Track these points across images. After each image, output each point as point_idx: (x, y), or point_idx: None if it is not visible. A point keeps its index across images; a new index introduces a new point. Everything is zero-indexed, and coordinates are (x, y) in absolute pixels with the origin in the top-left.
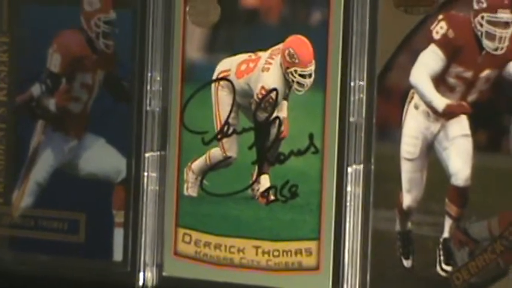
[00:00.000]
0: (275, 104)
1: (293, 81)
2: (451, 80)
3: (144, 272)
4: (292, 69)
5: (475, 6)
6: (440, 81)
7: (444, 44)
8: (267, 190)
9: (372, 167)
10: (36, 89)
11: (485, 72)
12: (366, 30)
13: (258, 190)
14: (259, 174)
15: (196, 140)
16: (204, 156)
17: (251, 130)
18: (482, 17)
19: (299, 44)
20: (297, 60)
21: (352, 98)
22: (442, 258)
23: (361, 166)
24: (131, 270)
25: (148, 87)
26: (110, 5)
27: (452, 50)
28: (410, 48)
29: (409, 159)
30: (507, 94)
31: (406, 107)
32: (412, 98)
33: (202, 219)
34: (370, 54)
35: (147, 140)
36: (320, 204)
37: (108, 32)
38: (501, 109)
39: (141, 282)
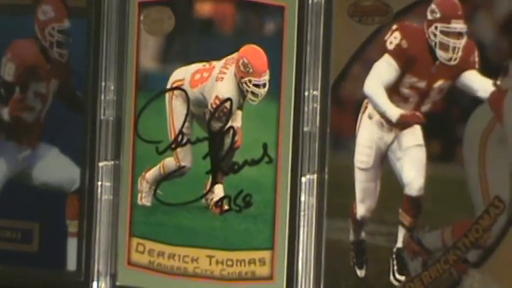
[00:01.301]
0: (229, 114)
1: (247, 91)
2: (405, 90)
3: (97, 281)
4: (246, 79)
5: (429, 17)
6: (394, 91)
7: (398, 54)
8: (221, 200)
9: (326, 176)
10: None
11: (439, 83)
12: (320, 40)
13: (212, 200)
14: (213, 183)
15: (150, 149)
16: (158, 166)
17: (205, 140)
18: (436, 27)
19: (253, 53)
20: (251, 70)
21: (306, 108)
22: (395, 268)
23: (315, 176)
24: (85, 280)
25: (103, 97)
26: (64, 14)
27: (406, 60)
28: (364, 58)
29: (362, 169)
30: (460, 104)
31: (360, 116)
32: (366, 108)
33: (156, 228)
34: (324, 64)
35: (101, 150)
36: (274, 214)
37: (62, 41)
38: (454, 119)
39: None
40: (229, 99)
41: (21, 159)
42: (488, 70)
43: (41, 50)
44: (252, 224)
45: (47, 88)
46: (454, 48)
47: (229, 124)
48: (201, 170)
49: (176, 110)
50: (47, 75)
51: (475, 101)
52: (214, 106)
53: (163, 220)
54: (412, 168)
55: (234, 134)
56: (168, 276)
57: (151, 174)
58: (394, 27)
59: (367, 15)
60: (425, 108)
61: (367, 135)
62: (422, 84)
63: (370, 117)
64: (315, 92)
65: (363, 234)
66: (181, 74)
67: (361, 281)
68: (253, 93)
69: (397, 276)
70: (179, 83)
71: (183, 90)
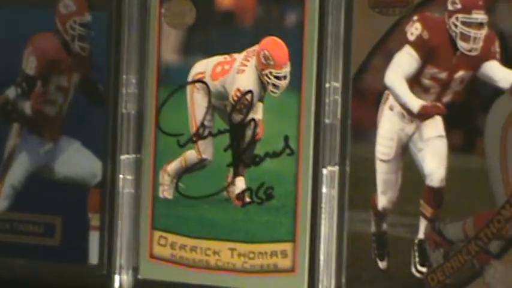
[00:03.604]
0: (250, 106)
1: (268, 83)
2: (426, 81)
3: (119, 275)
4: (267, 71)
5: (450, 7)
6: (415, 82)
7: (419, 45)
8: (243, 192)
9: (347, 168)
10: (11, 92)
11: (460, 73)
12: (340, 32)
13: (233, 192)
14: (235, 176)
15: (172, 142)
16: (179, 159)
17: (226, 132)
18: (457, 18)
19: (274, 45)
20: (272, 62)
21: (327, 100)
22: (417, 259)
23: (336, 168)
24: (107, 273)
25: (124, 90)
26: (85, 8)
27: (426, 51)
28: (385, 49)
29: (384, 161)
30: (481, 95)
31: (381, 108)
32: (387, 99)
33: (178, 221)
34: (345, 56)
35: (123, 143)
36: (295, 206)
37: (83, 34)
38: (475, 110)
39: (117, 285)
40: (250, 91)
41: (43, 153)
42: (509, 60)
43: (62, 44)
44: (274, 216)
45: (68, 82)
46: (475, 38)
47: (250, 116)
48: (223, 162)
49: (197, 103)
50: (69, 69)
51: (496, 92)
52: (235, 98)
53: (185, 213)
54: (434, 159)
55: (255, 126)
56: (190, 269)
57: (172, 167)
58: (415, 18)
59: (388, 7)
60: (446, 99)
61: (388, 127)
62: (443, 75)
63: (391, 108)
64: (336, 84)
65: (384, 226)
66: (203, 67)
67: (383, 273)
68: (274, 85)
69: (419, 267)
70: (200, 75)
71: (204, 82)
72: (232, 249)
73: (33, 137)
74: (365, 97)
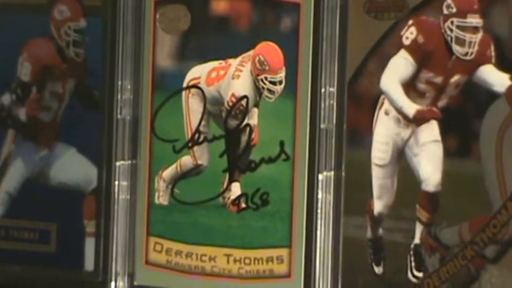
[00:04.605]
0: (246, 112)
1: (263, 88)
2: (421, 86)
3: (115, 281)
4: (262, 76)
5: (445, 11)
6: (410, 86)
7: (414, 49)
8: (238, 198)
9: (343, 173)
10: (6, 98)
11: (455, 78)
12: (336, 36)
13: (229, 198)
14: (230, 182)
15: (167, 148)
16: (174, 165)
17: (222, 138)
18: (452, 22)
19: (269, 51)
20: (267, 67)
21: (322, 105)
22: (413, 264)
23: (332, 173)
24: (103, 279)
25: (119, 96)
26: (80, 14)
27: (422, 56)
28: (380, 54)
29: (379, 166)
30: (477, 99)
31: (376, 113)
32: (383, 104)
33: (174, 227)
34: (340, 61)
35: (118, 149)
36: (291, 211)
37: (78, 40)
38: (471, 114)
39: None
40: (245, 96)
41: (39, 159)
42: (504, 64)
43: (57, 50)
44: (270, 222)
45: (63, 88)
46: (470, 42)
47: (245, 122)
48: (218, 168)
49: (193, 108)
50: (63, 75)
51: (491, 96)
52: (230, 104)
53: (181, 219)
54: (429, 164)
55: (251, 131)
56: (186, 275)
57: (168, 173)
58: (410, 22)
59: (383, 11)
60: (441, 103)
61: (384, 132)
62: (438, 80)
63: (386, 113)
64: (331, 89)
65: (380, 231)
66: (198, 72)
67: (378, 278)
68: (269, 90)
69: (415, 272)
70: (195, 81)
71: (200, 88)
72: (228, 255)
73: (28, 144)
74: (360, 102)
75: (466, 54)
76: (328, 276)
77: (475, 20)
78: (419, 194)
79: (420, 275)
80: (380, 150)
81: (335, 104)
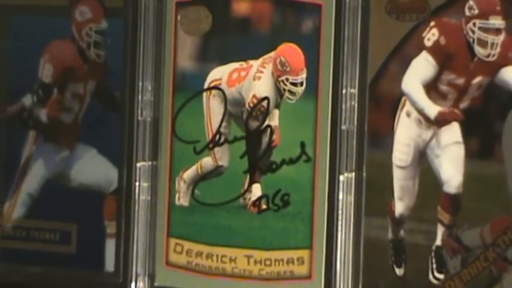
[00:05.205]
0: (267, 113)
1: (284, 89)
2: (443, 87)
3: (136, 282)
4: (283, 78)
5: (467, 13)
6: (432, 88)
7: (436, 50)
8: (259, 199)
9: (364, 174)
10: (27, 100)
11: (477, 79)
12: (357, 38)
13: (249, 199)
14: (251, 183)
15: (188, 149)
16: (195, 166)
17: (243, 139)
18: (474, 24)
19: (290, 52)
20: (288, 69)
21: (343, 106)
22: (434, 266)
23: (353, 174)
24: (123, 280)
25: (140, 97)
26: (101, 15)
27: (444, 57)
28: (402, 55)
29: (401, 167)
30: (499, 101)
31: (398, 114)
32: (404, 105)
33: (194, 228)
34: (361, 62)
35: (139, 150)
36: (312, 212)
37: (99, 41)
38: (493, 116)
39: None
40: (266, 98)
41: (59, 161)
42: None
43: (78, 51)
44: (290, 223)
45: (84, 89)
46: (493, 44)
47: (266, 123)
48: (239, 169)
49: (213, 110)
50: (84, 76)
51: None
52: (251, 105)
53: (201, 220)
54: (451, 165)
55: (272, 132)
56: (207, 276)
57: (188, 174)
58: (432, 23)
59: (405, 12)
60: (463, 105)
61: (405, 133)
62: (460, 81)
63: (408, 114)
64: (352, 90)
65: (401, 233)
66: (219, 74)
67: (399, 280)
68: (290, 91)
69: (436, 274)
70: (216, 82)
71: (221, 89)
72: (248, 256)
73: (49, 145)
74: (382, 103)
75: (488, 55)
76: (349, 278)
77: (497, 22)
78: (441, 195)
79: (441, 277)
80: (401, 152)
81: (356, 105)
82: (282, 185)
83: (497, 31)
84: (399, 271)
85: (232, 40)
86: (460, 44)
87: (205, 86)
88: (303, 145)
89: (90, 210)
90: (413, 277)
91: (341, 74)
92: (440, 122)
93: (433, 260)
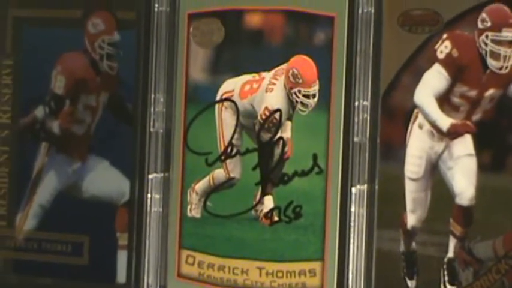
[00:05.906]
0: (279, 125)
1: (297, 101)
2: (456, 100)
3: None
4: (295, 90)
5: (480, 25)
6: (444, 100)
7: (448, 63)
8: (271, 211)
9: (376, 187)
10: (39, 111)
11: (490, 92)
12: (369, 50)
13: (261, 211)
14: (263, 195)
15: (200, 161)
16: (207, 178)
17: (255, 151)
18: (487, 36)
19: (303, 64)
20: (300, 81)
21: (356, 118)
22: (446, 278)
23: (365, 186)
24: None
25: (152, 109)
26: (113, 27)
27: (456, 69)
28: (414, 67)
29: (413, 179)
30: (511, 113)
31: (410, 126)
32: (417, 117)
33: (206, 240)
34: (374, 74)
35: (151, 162)
36: (324, 224)
37: (111, 53)
38: (505, 128)
39: None
40: (278, 110)
41: (72, 172)
42: None
43: (90, 63)
44: (302, 235)
45: (96, 101)
46: (505, 56)
47: (278, 135)
48: (251, 181)
49: (226, 121)
50: (97, 88)
51: None
52: (263, 117)
53: (213, 232)
54: (463, 177)
55: (284, 144)
56: None
57: (200, 186)
58: (445, 36)
59: (417, 25)
60: (476, 117)
61: (418, 145)
62: (473, 93)
63: (420, 126)
64: (364, 102)
65: (413, 245)
66: (231, 85)
67: None
68: (302, 103)
69: (448, 286)
70: (229, 94)
71: (233, 101)
72: (260, 268)
73: (61, 156)
74: (394, 115)
75: (501, 68)
76: None
77: (510, 34)
78: (453, 207)
79: None
80: (413, 164)
81: (368, 117)
82: (294, 197)
83: (510, 43)
84: (411, 283)
85: (245, 52)
86: (473, 57)
87: (218, 97)
88: (315, 157)
89: (102, 222)
90: None
91: (353, 86)
92: (452, 134)
93: (445, 272)
